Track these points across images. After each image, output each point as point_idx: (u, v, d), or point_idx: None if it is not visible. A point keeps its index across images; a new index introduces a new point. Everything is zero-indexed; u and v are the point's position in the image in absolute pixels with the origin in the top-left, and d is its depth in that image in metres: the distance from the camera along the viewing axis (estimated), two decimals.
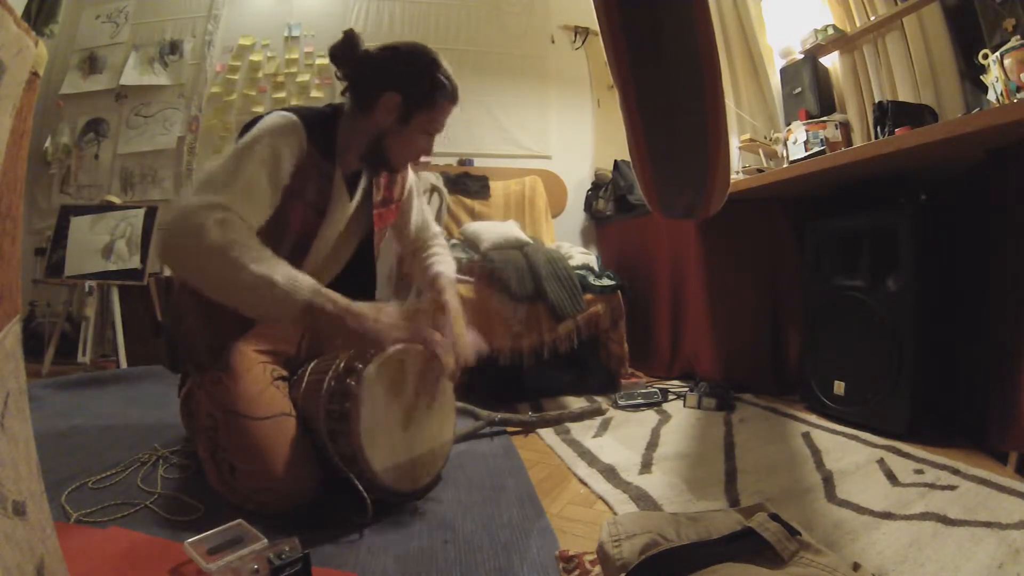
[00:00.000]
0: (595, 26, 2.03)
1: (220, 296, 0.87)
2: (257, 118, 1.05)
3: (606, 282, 2.11)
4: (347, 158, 1.12)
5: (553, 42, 3.45)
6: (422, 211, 1.39)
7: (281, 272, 0.85)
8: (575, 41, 3.48)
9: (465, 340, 1.07)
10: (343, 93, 1.12)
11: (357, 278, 1.22)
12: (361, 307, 0.90)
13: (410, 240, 1.37)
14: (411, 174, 1.34)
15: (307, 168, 1.04)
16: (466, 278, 2.03)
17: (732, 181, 1.61)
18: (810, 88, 2.19)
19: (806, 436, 1.44)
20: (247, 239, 0.86)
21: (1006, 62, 1.39)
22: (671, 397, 1.92)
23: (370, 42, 1.10)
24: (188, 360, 1.10)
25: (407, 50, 1.09)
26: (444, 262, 1.31)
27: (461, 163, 3.16)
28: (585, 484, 1.14)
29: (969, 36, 1.75)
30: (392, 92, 1.06)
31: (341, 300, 0.89)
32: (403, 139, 1.11)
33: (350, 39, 1.07)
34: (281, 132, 1.00)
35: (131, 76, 3.10)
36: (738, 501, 1.04)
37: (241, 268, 0.82)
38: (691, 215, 1.76)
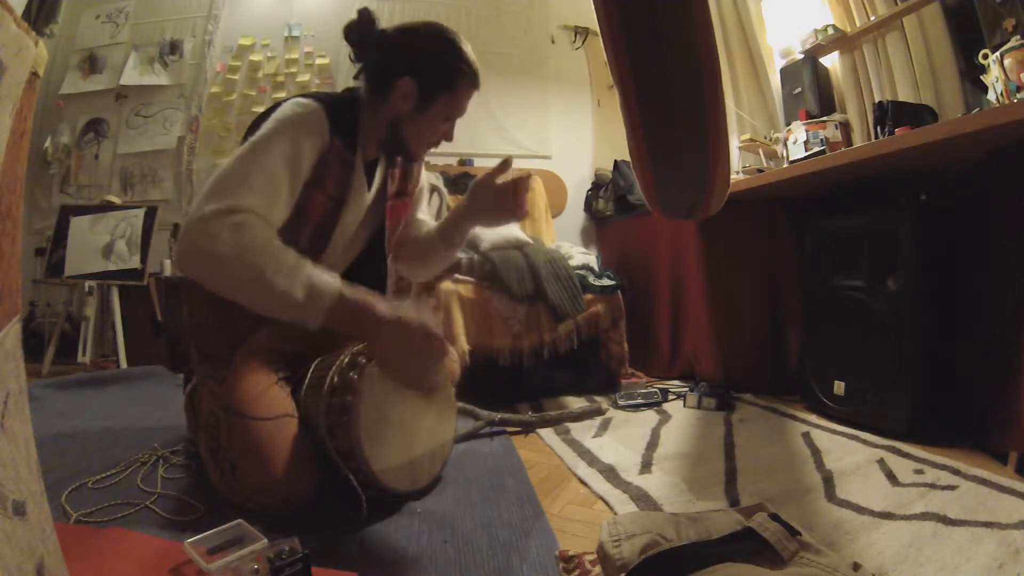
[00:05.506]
0: (595, 26, 2.03)
1: (243, 301, 0.85)
2: (273, 107, 1.01)
3: (606, 282, 2.11)
4: (366, 146, 1.08)
5: (553, 42, 3.45)
6: (423, 212, 1.35)
7: (302, 281, 0.81)
8: (575, 41, 3.48)
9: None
10: (356, 77, 1.08)
11: (366, 275, 1.15)
12: (383, 308, 0.84)
13: None
14: (424, 172, 1.29)
15: (329, 158, 1.01)
16: (466, 278, 2.03)
17: (732, 181, 1.61)
18: (810, 88, 2.19)
19: (806, 436, 1.44)
20: (265, 241, 0.83)
21: (1006, 62, 1.39)
22: (671, 397, 1.92)
23: None
24: (200, 353, 1.08)
25: (425, 32, 1.04)
26: None
27: (461, 163, 3.16)
28: (585, 484, 1.14)
29: (969, 36, 1.74)
30: (408, 78, 1.01)
31: (371, 306, 0.83)
32: (422, 125, 1.06)
33: (365, 18, 1.04)
34: (302, 123, 0.96)
35: (131, 76, 3.10)
36: (738, 501, 1.04)
37: (259, 274, 0.79)
38: (691, 215, 1.76)
